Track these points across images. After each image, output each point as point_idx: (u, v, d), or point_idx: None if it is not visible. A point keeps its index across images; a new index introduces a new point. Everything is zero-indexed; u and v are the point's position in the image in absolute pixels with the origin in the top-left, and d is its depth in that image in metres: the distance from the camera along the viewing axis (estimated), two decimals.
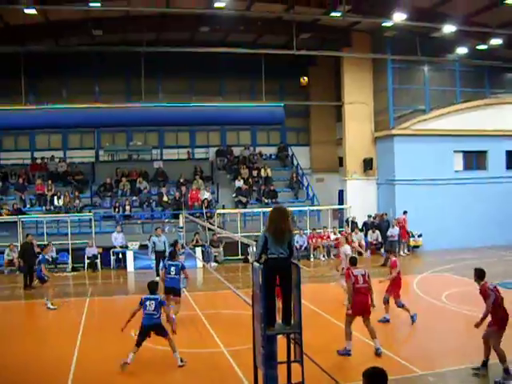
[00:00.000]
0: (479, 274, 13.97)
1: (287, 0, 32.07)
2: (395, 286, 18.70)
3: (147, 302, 14.96)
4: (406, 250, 34.63)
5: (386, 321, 18.23)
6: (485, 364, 13.57)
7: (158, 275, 27.08)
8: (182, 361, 14.84)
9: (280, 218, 10.92)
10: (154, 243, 27.88)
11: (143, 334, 14.78)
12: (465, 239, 34.94)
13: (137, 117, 35.82)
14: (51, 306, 21.84)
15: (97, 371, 14.49)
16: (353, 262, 16.66)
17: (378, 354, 14.95)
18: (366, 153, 38.47)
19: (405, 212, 34.80)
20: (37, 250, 27.58)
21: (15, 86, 34.73)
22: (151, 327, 14.83)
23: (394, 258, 19.25)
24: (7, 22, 32.68)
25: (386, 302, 18.55)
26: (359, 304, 15.44)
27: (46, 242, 30.80)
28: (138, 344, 14.65)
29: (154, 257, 28.29)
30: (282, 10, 33.56)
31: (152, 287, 15.39)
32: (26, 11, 30.21)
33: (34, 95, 38.57)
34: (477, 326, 13.73)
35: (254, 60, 35.46)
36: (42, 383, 13.93)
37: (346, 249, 21.22)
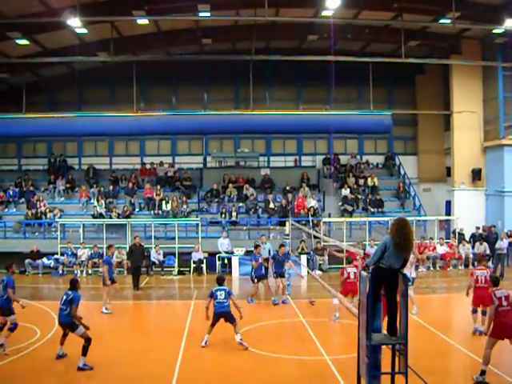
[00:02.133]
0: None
1: (395, 8, 31.76)
2: (475, 296, 18.30)
3: (217, 293, 17.08)
4: None
5: (479, 332, 17.69)
6: None
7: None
8: (241, 339, 16.86)
9: (406, 229, 10.73)
10: None
11: (216, 319, 16.91)
12: None
13: (245, 124, 36.17)
14: (105, 311, 21.92)
15: (200, 373, 14.80)
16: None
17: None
18: (474, 163, 37.55)
19: None
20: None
21: (127, 94, 35.71)
22: (221, 314, 16.89)
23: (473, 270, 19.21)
24: (121, 32, 33.65)
25: (474, 312, 18.24)
26: None
27: (153, 245, 31.67)
28: (213, 324, 16.97)
29: None
30: (389, 18, 33.33)
31: (220, 280, 17.68)
32: (139, 22, 31.13)
33: (145, 102, 39.58)
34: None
35: (362, 68, 35.34)
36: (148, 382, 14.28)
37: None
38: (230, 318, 16.91)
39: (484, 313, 18.10)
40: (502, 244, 31.02)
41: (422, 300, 22.70)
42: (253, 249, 28.85)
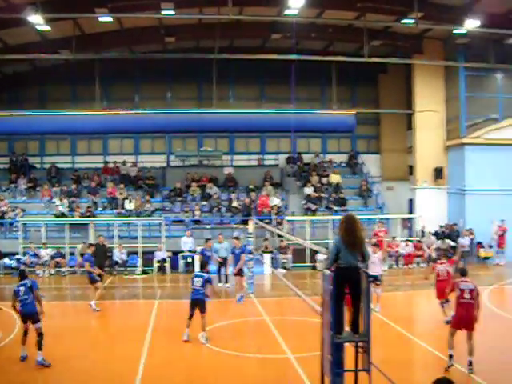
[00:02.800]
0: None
1: (358, 7, 31.90)
2: (437, 289, 18.92)
3: (195, 279, 17.25)
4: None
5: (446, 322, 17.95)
6: None
7: (220, 281, 27.17)
8: (206, 340, 16.89)
9: (353, 226, 10.83)
10: (216, 250, 27.66)
11: (191, 307, 17.02)
12: None
13: (208, 123, 36.24)
14: (96, 308, 21.90)
15: (163, 372, 14.73)
16: None
17: None
18: (436, 161, 37.89)
19: (502, 221, 34.01)
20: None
21: (90, 92, 35.52)
22: (194, 301, 16.91)
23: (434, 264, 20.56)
24: (83, 30, 33.40)
25: (442, 305, 18.74)
26: None
27: (117, 245, 31.52)
28: (190, 316, 17.02)
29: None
30: (353, 18, 33.50)
31: (202, 265, 18.21)
32: (101, 19, 30.96)
33: (108, 101, 39.36)
34: None
35: (325, 67, 35.56)
36: (111, 382, 14.18)
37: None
38: (201, 307, 16.93)
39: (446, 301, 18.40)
40: (464, 241, 31.33)
41: (385, 297, 22.84)
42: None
